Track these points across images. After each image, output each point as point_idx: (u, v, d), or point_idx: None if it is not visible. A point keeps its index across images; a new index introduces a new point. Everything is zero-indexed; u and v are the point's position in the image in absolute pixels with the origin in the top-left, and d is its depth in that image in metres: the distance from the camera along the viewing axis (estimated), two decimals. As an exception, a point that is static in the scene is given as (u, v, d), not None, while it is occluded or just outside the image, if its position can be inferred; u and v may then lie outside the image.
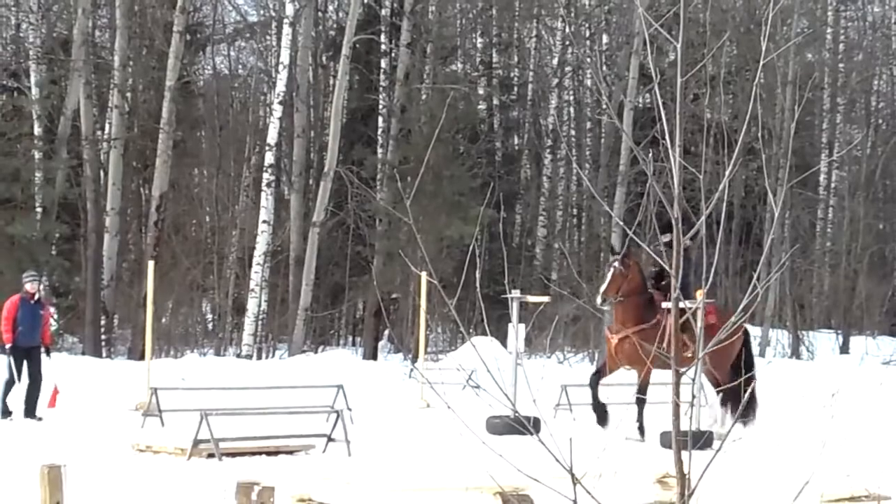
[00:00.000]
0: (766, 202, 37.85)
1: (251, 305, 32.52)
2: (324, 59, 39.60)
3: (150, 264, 22.40)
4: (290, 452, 15.65)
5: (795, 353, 37.69)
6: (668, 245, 15.72)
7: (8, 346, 19.46)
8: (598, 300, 18.09)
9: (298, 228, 34.50)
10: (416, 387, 24.54)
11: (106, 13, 38.61)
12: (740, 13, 40.80)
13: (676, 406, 6.02)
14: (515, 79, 42.62)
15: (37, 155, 34.21)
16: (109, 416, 19.73)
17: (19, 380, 19.27)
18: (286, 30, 33.62)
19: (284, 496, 9.57)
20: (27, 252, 31.62)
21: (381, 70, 36.37)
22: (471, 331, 30.73)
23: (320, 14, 39.85)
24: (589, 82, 41.51)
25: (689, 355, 15.41)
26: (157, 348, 28.88)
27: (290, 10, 33.61)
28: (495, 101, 40.99)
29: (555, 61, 40.74)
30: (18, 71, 36.41)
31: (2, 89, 37.02)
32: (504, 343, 25.07)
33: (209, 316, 38.35)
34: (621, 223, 34.12)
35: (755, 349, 35.84)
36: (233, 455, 15.05)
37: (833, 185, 41.97)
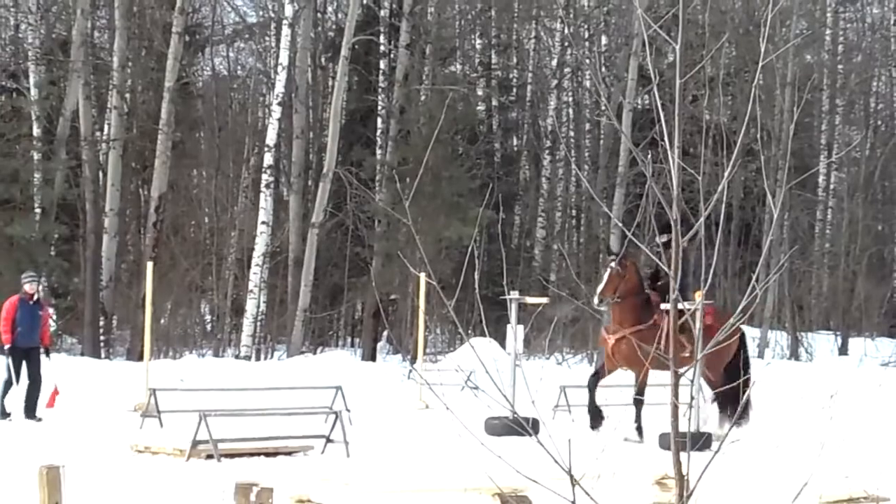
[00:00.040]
0: (765, 203, 37.87)
1: (250, 306, 32.52)
2: (323, 60, 39.60)
3: (149, 265, 22.40)
4: (289, 453, 15.66)
5: (794, 355, 37.70)
6: (665, 245, 15.77)
7: (7, 346, 19.47)
8: (595, 301, 18.12)
9: (297, 229, 34.50)
10: (415, 388, 24.55)
11: (105, 14, 38.60)
12: (739, 14, 40.81)
13: (675, 407, 6.02)
14: (514, 80, 42.63)
15: (36, 156, 34.20)
16: (108, 417, 19.73)
17: (17, 381, 19.27)
18: (285, 31, 33.63)
19: (283, 497, 9.57)
20: (26, 253, 31.61)
21: (380, 71, 36.37)
22: (469, 332, 30.72)
23: (319, 15, 39.85)
24: (588, 83, 41.50)
25: (687, 355, 15.43)
26: (156, 349, 28.86)
27: (289, 11, 33.62)
28: (494, 103, 40.98)
29: (554, 62, 40.75)
30: (17, 72, 36.40)
31: (1, 90, 37.02)
32: (503, 344, 25.09)
33: (208, 317, 38.34)
34: (620, 224, 34.11)
35: (753, 350, 36.04)
36: (231, 456, 15.05)
37: (832, 186, 41.98)
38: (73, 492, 9.10)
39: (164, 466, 14.36)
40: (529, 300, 21.26)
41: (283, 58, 33.57)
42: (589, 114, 41.13)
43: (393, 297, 36.25)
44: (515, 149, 41.96)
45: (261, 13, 42.83)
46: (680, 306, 6.29)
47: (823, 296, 41.24)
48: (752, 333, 37.03)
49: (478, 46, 41.56)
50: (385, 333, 36.55)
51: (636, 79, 37.04)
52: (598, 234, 39.30)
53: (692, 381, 15.80)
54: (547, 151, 39.77)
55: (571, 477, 5.77)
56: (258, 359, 32.35)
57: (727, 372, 17.87)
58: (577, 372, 28.32)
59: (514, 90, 42.42)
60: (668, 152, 5.94)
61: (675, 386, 6.02)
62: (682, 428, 6.16)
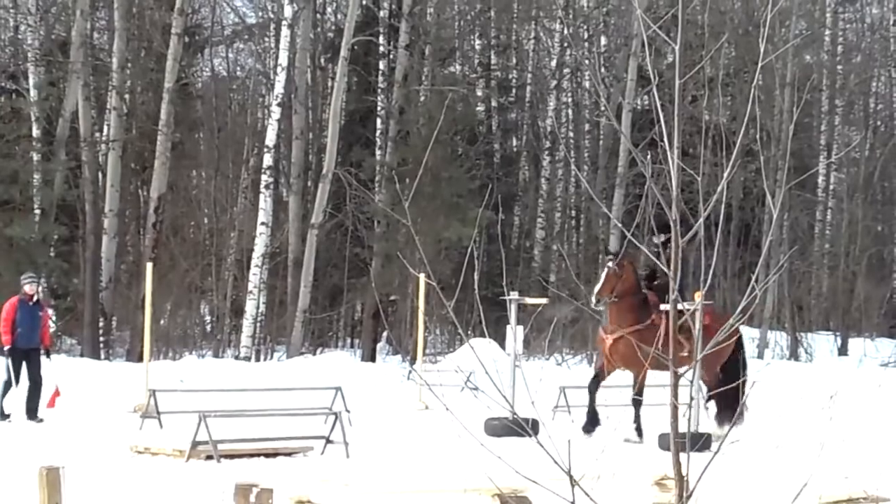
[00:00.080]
0: (764, 204, 37.89)
1: (249, 307, 32.52)
2: (322, 60, 39.59)
3: (149, 266, 22.40)
4: (289, 454, 15.66)
5: (794, 355, 37.71)
6: (662, 245, 15.77)
7: (6, 348, 19.47)
8: (593, 301, 18.09)
9: (297, 230, 34.50)
10: (415, 388, 24.55)
11: (104, 15, 38.59)
12: (739, 15, 40.81)
13: (675, 408, 6.02)
14: (514, 80, 42.63)
15: (35, 157, 34.21)
16: (108, 418, 19.74)
17: (17, 383, 19.26)
18: (284, 32, 33.63)
19: (283, 498, 9.56)
20: (25, 254, 31.61)
21: (380, 72, 36.37)
22: (469, 332, 30.70)
23: (319, 16, 39.84)
24: (587, 84, 41.50)
25: (685, 355, 15.43)
26: (156, 350, 28.86)
27: (288, 11, 33.62)
28: (494, 103, 40.98)
29: (553, 63, 40.75)
30: (17, 73, 36.40)
31: (0, 91, 37.03)
32: (502, 345, 25.08)
33: (207, 318, 38.34)
34: (619, 225, 34.13)
35: (753, 351, 36.07)
36: (231, 457, 15.05)
37: (831, 186, 41.99)
38: (73, 493, 9.10)
39: (164, 467, 14.36)
40: (529, 301, 21.26)
41: (283, 58, 33.57)
42: (588, 114, 41.14)
43: (392, 297, 36.25)
44: (515, 149, 41.96)
45: (260, 14, 42.85)
46: (679, 307, 6.29)
47: (823, 296, 41.25)
48: (751, 334, 37.07)
49: (477, 47, 41.56)
50: (385, 334, 36.55)
51: (635, 79, 37.05)
52: (597, 234, 39.31)
53: (692, 382, 15.81)
54: (546, 152, 39.77)
55: (571, 478, 5.77)
56: (258, 360, 32.35)
57: (723, 373, 17.87)
58: (577, 373, 28.33)
59: (514, 91, 42.42)
60: (668, 153, 5.94)
61: (675, 386, 6.02)
62: (682, 428, 6.15)
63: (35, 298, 19.80)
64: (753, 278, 6.64)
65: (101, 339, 32.70)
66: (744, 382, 16.58)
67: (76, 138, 33.79)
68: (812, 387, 25.80)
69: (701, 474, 5.94)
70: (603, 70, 41.15)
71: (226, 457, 14.93)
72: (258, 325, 32.99)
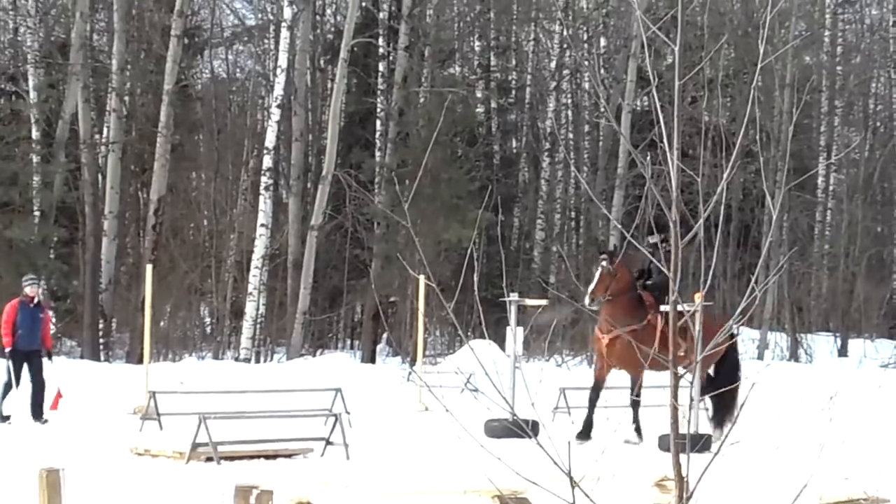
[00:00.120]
0: (764, 205, 37.89)
1: (249, 309, 32.51)
2: (322, 62, 39.60)
3: (149, 268, 22.41)
4: (289, 456, 15.66)
5: (794, 356, 37.70)
6: (654, 246, 15.77)
7: (7, 349, 19.47)
8: (587, 300, 18.00)
9: (296, 232, 34.49)
10: (415, 390, 24.55)
11: (104, 17, 38.59)
12: (738, 16, 40.81)
13: (675, 409, 6.02)
14: (513, 82, 42.63)
15: (35, 159, 34.21)
16: (108, 420, 19.74)
17: (17, 385, 19.27)
18: (284, 33, 33.62)
19: (283, 500, 9.56)
20: (25, 256, 31.60)
21: (379, 73, 36.37)
22: (469, 334, 30.70)
23: (318, 18, 39.85)
24: (587, 85, 41.51)
25: (681, 354, 15.41)
26: (156, 352, 28.86)
27: (287, 13, 33.62)
28: (493, 105, 40.97)
29: (553, 64, 40.75)
30: (16, 75, 36.41)
31: (0, 93, 37.02)
32: (502, 346, 25.07)
33: (207, 319, 38.33)
34: (619, 226, 34.12)
35: (753, 352, 36.08)
36: (231, 458, 15.05)
37: (831, 187, 41.98)
38: (73, 495, 9.10)
39: (164, 469, 14.36)
40: (529, 302, 21.27)
41: (282, 60, 33.56)
42: (588, 115, 41.13)
43: (392, 299, 36.25)
44: (514, 151, 41.96)
45: (260, 16, 42.85)
46: (680, 308, 6.29)
47: (823, 297, 41.24)
48: (751, 335, 37.09)
49: (477, 48, 41.56)
50: (384, 336, 36.54)
51: (635, 80, 37.05)
52: (597, 235, 39.28)
53: (691, 383, 15.80)
54: (546, 153, 39.77)
55: (571, 479, 5.77)
56: (258, 361, 32.36)
57: (717, 374, 17.85)
58: (577, 374, 28.34)
59: (513, 92, 42.42)
60: (667, 154, 5.94)
61: (675, 388, 6.02)
62: (682, 430, 6.14)
63: (36, 300, 19.80)
64: (753, 279, 6.65)
65: (101, 340, 32.70)
66: (738, 384, 16.58)
67: (76, 140, 33.79)
68: (812, 388, 25.80)
69: (701, 475, 5.94)
70: (602, 71, 41.15)
71: (226, 458, 14.93)
72: (258, 326, 32.99)
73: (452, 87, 36.95)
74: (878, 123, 45.78)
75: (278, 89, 33.32)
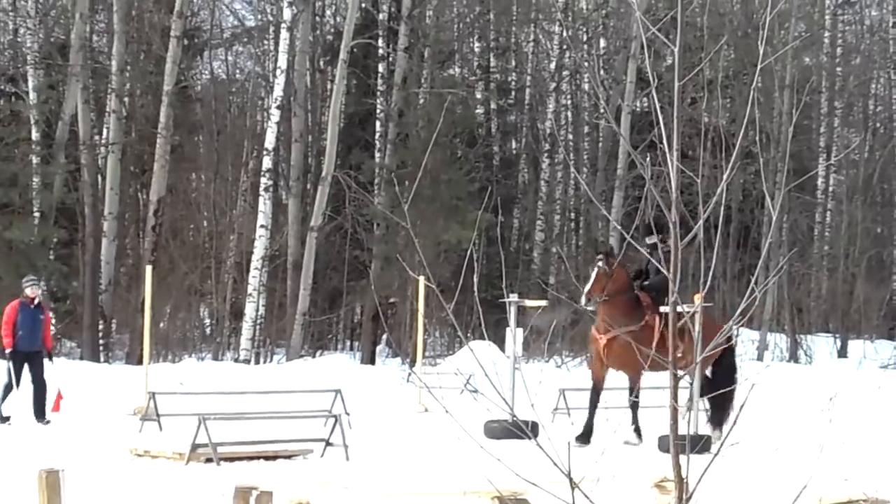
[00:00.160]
0: (763, 206, 37.89)
1: (249, 310, 32.51)
2: (321, 63, 39.60)
3: (148, 269, 22.41)
4: (289, 457, 15.65)
5: (793, 357, 37.71)
6: (653, 247, 15.75)
7: (8, 350, 19.47)
8: (583, 300, 17.96)
9: (296, 233, 34.50)
10: (414, 391, 24.55)
11: (103, 18, 38.60)
12: (738, 17, 40.82)
13: (674, 410, 6.02)
14: (513, 83, 42.64)
15: (34, 160, 34.21)
16: (107, 421, 19.73)
17: (17, 386, 19.27)
18: (284, 34, 33.62)
19: (282, 501, 9.57)
20: (25, 257, 31.60)
21: (379, 74, 36.37)
22: (469, 335, 30.71)
23: (318, 19, 39.85)
24: (586, 86, 41.52)
25: (679, 355, 15.39)
26: (155, 353, 28.86)
27: (287, 14, 33.62)
28: (493, 106, 40.98)
29: (552, 65, 40.76)
30: (16, 76, 36.41)
31: (0, 94, 37.03)
32: (502, 347, 25.07)
33: (207, 320, 38.33)
34: (619, 227, 34.11)
35: (753, 353, 36.09)
36: (231, 459, 15.04)
37: (831, 188, 41.99)
38: (73, 495, 9.10)
39: (164, 470, 14.36)
40: (528, 303, 21.26)
41: (282, 61, 33.56)
42: (587, 117, 41.14)
43: (392, 300, 36.25)
44: (514, 152, 41.97)
45: (259, 17, 42.85)
46: (679, 309, 6.29)
47: (822, 298, 41.25)
48: (751, 336, 37.10)
49: (476, 50, 41.56)
50: (384, 337, 36.54)
51: (635, 81, 37.06)
52: (597, 236, 39.29)
53: (691, 384, 15.80)
54: (546, 154, 39.78)
55: (571, 480, 5.77)
56: (257, 362, 32.36)
57: (714, 375, 17.84)
58: (577, 375, 28.33)
59: (513, 93, 42.43)
60: (667, 155, 5.94)
61: (675, 388, 6.02)
62: (682, 431, 6.14)
63: (36, 301, 19.80)
64: (753, 280, 6.65)
65: (101, 341, 32.70)
66: (734, 387, 16.57)
67: (75, 141, 33.79)
68: (812, 389, 25.80)
69: (700, 476, 5.94)
70: (602, 72, 41.16)
71: (225, 459, 14.93)
72: (258, 327, 32.99)
73: (452, 88, 36.97)
74: (878, 124, 45.80)
75: (278, 90, 33.32)
